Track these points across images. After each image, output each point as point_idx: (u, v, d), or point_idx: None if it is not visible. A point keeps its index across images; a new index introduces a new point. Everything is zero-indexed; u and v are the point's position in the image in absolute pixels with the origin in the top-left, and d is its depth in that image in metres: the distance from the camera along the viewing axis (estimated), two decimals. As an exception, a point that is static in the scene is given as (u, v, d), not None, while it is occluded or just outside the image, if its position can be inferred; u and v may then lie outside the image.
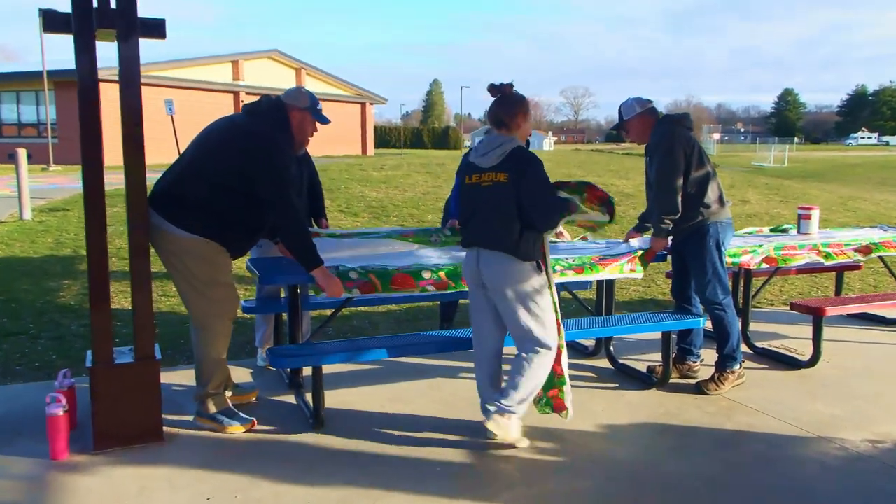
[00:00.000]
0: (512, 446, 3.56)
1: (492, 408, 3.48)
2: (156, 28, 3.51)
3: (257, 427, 3.75)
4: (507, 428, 3.47)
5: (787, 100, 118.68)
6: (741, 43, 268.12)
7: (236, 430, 3.68)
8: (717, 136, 67.18)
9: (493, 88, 3.54)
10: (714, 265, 4.25)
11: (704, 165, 4.24)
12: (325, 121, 3.80)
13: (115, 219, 8.10)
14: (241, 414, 3.76)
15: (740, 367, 4.39)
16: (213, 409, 3.71)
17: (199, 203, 3.52)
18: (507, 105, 3.49)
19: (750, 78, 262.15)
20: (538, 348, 3.47)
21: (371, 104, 38.81)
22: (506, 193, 3.38)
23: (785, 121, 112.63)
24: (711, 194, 4.23)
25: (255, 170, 3.48)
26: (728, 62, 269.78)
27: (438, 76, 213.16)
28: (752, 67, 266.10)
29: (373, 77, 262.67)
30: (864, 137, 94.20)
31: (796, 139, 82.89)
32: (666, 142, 4.17)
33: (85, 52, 3.33)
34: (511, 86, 3.56)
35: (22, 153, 9.78)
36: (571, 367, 4.79)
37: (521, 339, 3.50)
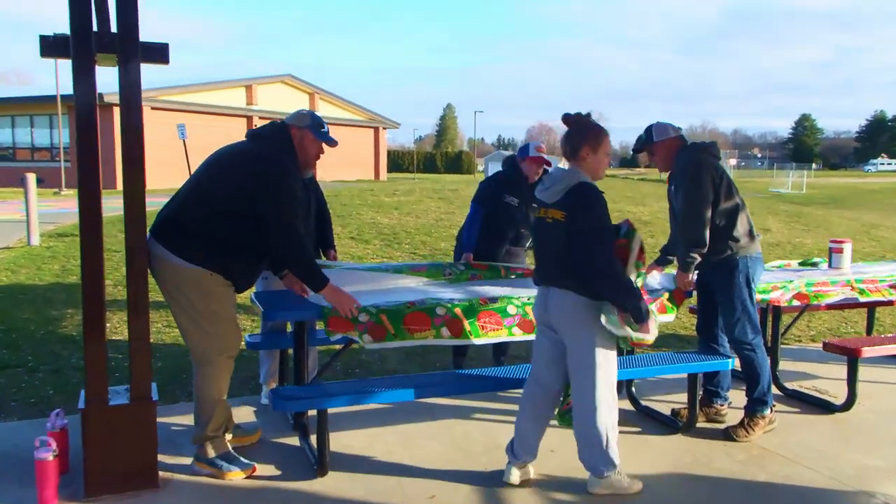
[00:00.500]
0: (527, 495, 3.32)
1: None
2: (158, 53, 3.37)
3: (258, 473, 3.54)
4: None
5: (804, 125, 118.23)
6: (755, 67, 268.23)
7: (236, 476, 3.47)
8: (733, 161, 66.82)
9: (566, 118, 3.39)
10: (744, 302, 4.01)
11: (733, 196, 4.03)
12: (329, 140, 3.69)
13: (120, 246, 7.97)
14: (242, 459, 3.55)
15: (771, 411, 4.14)
16: (211, 453, 3.50)
17: (202, 232, 3.36)
18: (573, 135, 3.34)
19: (765, 103, 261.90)
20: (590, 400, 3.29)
21: (384, 128, 38.96)
22: (564, 231, 3.21)
23: (802, 146, 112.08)
24: (741, 227, 4.02)
25: (263, 192, 3.34)
26: (742, 86, 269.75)
27: (452, 100, 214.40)
28: (768, 92, 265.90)
29: (386, 101, 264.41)
30: (883, 163, 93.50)
31: (814, 165, 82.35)
32: (694, 170, 3.96)
33: (83, 77, 3.18)
34: (586, 115, 3.39)
35: (31, 178, 9.72)
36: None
37: (575, 388, 3.35)
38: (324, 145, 3.70)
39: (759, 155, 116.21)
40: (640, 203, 16.35)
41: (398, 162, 70.49)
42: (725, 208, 3.99)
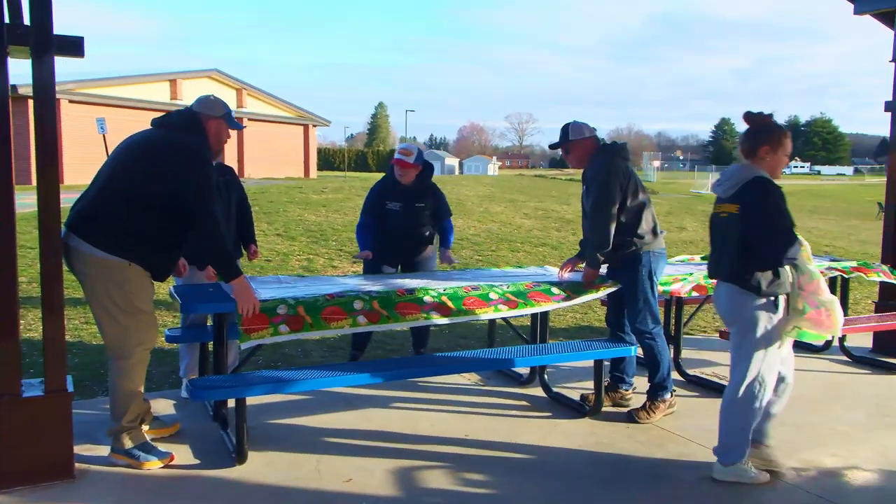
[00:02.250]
0: (439, 476, 3.48)
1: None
2: (73, 46, 3.37)
3: (177, 462, 3.58)
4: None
5: (723, 129, 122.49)
6: (682, 74, 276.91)
7: (153, 466, 3.50)
8: (657, 163, 68.75)
9: (747, 116, 3.53)
10: (645, 294, 4.27)
11: (639, 196, 4.26)
12: (238, 126, 3.83)
13: (34, 243, 7.77)
14: (159, 448, 3.59)
15: (671, 395, 4.41)
16: (128, 443, 3.53)
17: (118, 222, 3.38)
18: (753, 134, 3.48)
19: (689, 107, 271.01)
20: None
21: (314, 126, 38.58)
22: (736, 225, 3.36)
23: (722, 149, 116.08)
24: (645, 225, 4.25)
25: (178, 181, 3.39)
26: (669, 92, 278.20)
27: (383, 99, 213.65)
28: (692, 97, 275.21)
29: (316, 99, 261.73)
30: (796, 166, 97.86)
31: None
32: (603, 174, 4.17)
33: (-5, 69, 3.16)
34: (768, 115, 3.52)
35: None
36: (504, 395, 4.76)
37: (731, 378, 3.54)
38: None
39: (682, 157, 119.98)
40: (565, 202, 16.79)
41: (329, 160, 69.93)
42: (631, 207, 4.22)
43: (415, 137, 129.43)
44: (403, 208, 5.08)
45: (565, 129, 4.42)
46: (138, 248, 3.42)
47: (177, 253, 3.67)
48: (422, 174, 5.14)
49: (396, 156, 5.04)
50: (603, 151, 4.32)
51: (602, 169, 4.20)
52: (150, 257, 3.48)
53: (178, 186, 3.39)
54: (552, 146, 4.57)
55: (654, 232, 4.31)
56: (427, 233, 5.27)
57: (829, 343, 6.12)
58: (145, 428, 3.70)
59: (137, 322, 3.48)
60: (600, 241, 4.18)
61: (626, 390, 4.62)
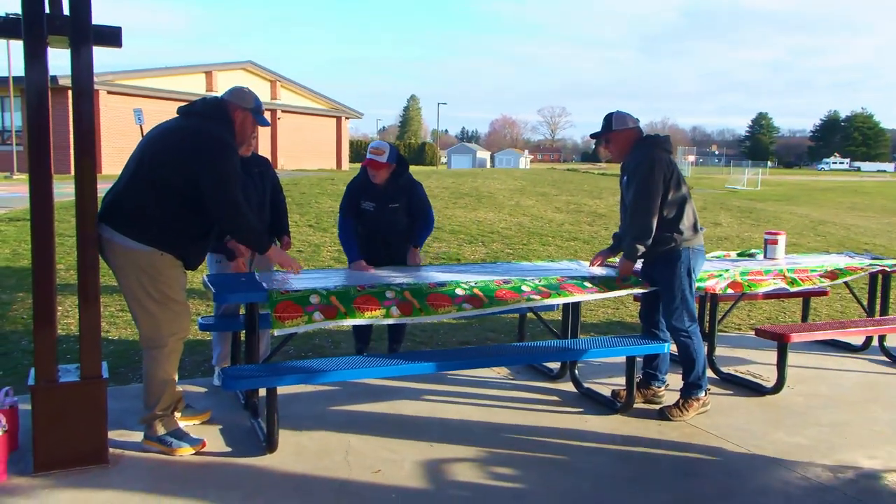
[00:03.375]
0: (469, 469, 3.47)
1: None
2: (111, 36, 3.42)
3: (207, 450, 3.62)
4: None
5: (760, 123, 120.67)
6: (714, 66, 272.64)
7: (185, 452, 3.54)
8: (691, 158, 68.03)
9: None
10: (683, 292, 4.20)
11: (681, 190, 4.19)
12: (265, 123, 3.88)
13: (72, 231, 7.91)
14: (191, 435, 3.63)
15: (706, 394, 4.34)
16: (161, 430, 3.57)
17: (146, 212, 3.43)
18: None
19: (723, 101, 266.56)
20: None
21: (347, 118, 38.79)
22: None
23: (758, 144, 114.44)
24: (686, 220, 4.19)
25: (199, 168, 3.41)
26: (700, 85, 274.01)
27: (415, 92, 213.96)
28: (725, 91, 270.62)
29: (349, 91, 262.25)
30: (836, 162, 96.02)
31: (769, 163, 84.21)
32: (646, 165, 4.11)
33: (35, 59, 3.21)
34: None
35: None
36: (533, 390, 4.73)
37: None
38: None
39: (717, 152, 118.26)
40: (597, 197, 16.62)
41: (361, 152, 70.11)
42: (672, 201, 4.15)
43: (446, 130, 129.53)
44: (377, 209, 4.86)
45: (608, 119, 4.34)
46: (167, 236, 3.46)
47: (207, 241, 3.70)
48: (396, 172, 4.88)
49: (368, 155, 4.78)
50: (645, 143, 4.26)
51: (645, 160, 4.13)
52: (180, 246, 3.52)
53: (199, 173, 3.41)
54: (593, 136, 4.49)
55: (695, 228, 4.24)
56: (404, 236, 5.01)
57: (868, 342, 5.99)
58: (177, 415, 3.74)
59: (169, 312, 3.52)
60: (641, 232, 4.12)
61: (659, 387, 4.56)
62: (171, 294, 3.52)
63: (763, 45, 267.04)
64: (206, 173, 3.42)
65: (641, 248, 4.17)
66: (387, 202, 4.86)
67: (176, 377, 3.66)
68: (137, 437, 3.67)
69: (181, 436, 3.60)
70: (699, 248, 4.28)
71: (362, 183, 4.93)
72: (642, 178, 4.11)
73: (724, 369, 5.19)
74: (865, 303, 6.06)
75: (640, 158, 4.17)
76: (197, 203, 3.47)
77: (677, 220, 4.17)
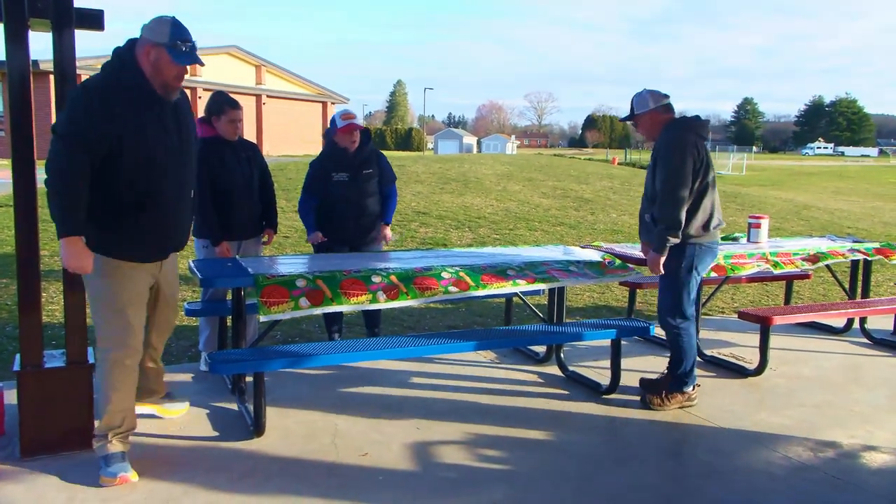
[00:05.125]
0: (455, 453, 3.50)
1: None
2: (93, 19, 3.39)
3: (196, 434, 3.64)
4: None
5: (746, 108, 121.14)
6: (703, 51, 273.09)
7: (107, 482, 3.10)
8: (677, 143, 67.97)
9: None
10: (679, 289, 4.08)
11: (705, 180, 4.00)
12: (185, 61, 3.03)
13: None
14: (122, 463, 3.17)
15: (693, 389, 4.28)
16: (104, 449, 3.20)
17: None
18: None
19: (711, 86, 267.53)
20: None
21: (332, 103, 38.56)
22: None
23: (744, 129, 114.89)
24: (700, 215, 4.01)
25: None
26: (689, 70, 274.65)
27: (402, 77, 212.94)
28: (713, 76, 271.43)
29: (335, 76, 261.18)
30: (820, 147, 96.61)
31: (755, 148, 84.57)
32: (677, 151, 3.92)
33: (16, 43, 3.20)
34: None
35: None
36: (520, 373, 4.77)
37: None
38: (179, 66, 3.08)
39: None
40: (584, 182, 16.65)
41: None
42: (695, 191, 3.98)
43: (433, 116, 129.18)
44: (351, 178, 4.85)
45: (632, 102, 4.20)
46: (88, 229, 3.04)
47: (127, 224, 3.08)
48: (362, 140, 4.92)
49: (342, 123, 4.77)
50: (675, 125, 4.07)
51: (673, 144, 3.95)
52: (96, 236, 3.07)
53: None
54: (622, 120, 4.38)
55: (707, 225, 4.04)
56: (377, 208, 5.02)
57: (849, 324, 6.07)
58: (153, 407, 3.77)
59: (103, 318, 3.18)
60: (671, 223, 3.91)
61: (692, 389, 4.33)
62: (107, 298, 3.15)
63: (754, 29, 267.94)
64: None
65: (674, 240, 3.94)
66: (360, 169, 4.89)
67: (122, 400, 3.23)
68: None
69: (112, 461, 3.17)
70: (709, 245, 4.09)
71: (330, 157, 4.91)
72: (670, 165, 3.90)
73: (708, 352, 5.24)
74: (847, 286, 6.14)
75: (669, 141, 3.98)
76: (102, 175, 2.98)
77: (691, 213, 3.98)
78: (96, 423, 3.27)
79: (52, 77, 3.37)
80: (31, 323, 3.33)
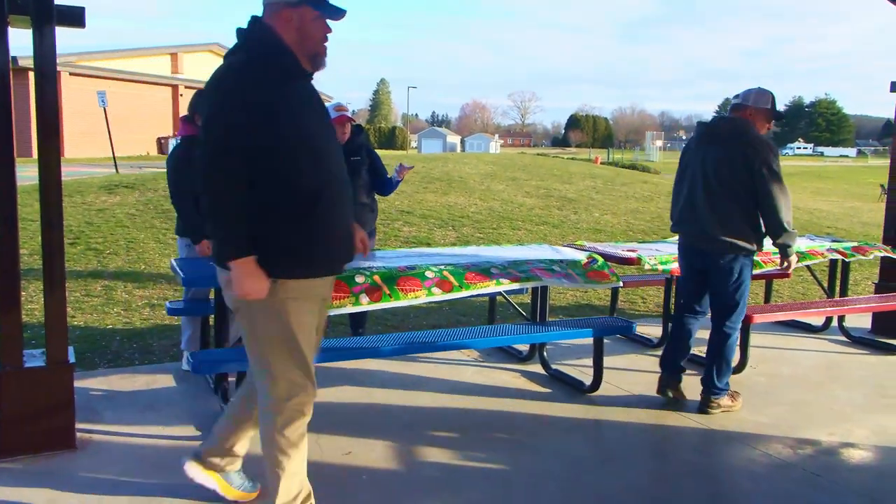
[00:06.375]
0: (438, 452, 3.51)
1: None
2: (74, 16, 3.35)
3: (178, 434, 3.62)
4: None
5: (727, 109, 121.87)
6: (688, 53, 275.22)
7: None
8: (660, 143, 68.59)
9: None
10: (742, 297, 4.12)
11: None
12: (334, 12, 2.59)
13: (35, 215, 7.77)
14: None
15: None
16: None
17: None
18: None
19: (694, 87, 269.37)
20: None
21: (317, 102, 38.43)
22: None
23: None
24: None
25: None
26: (674, 72, 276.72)
27: (385, 75, 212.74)
28: (698, 78, 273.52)
29: (318, 74, 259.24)
30: (800, 148, 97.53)
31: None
32: (774, 153, 3.93)
33: (-5, 39, 3.15)
34: None
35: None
36: (503, 371, 4.79)
37: None
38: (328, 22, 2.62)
39: (685, 137, 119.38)
40: (567, 181, 16.72)
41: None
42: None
43: (417, 114, 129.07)
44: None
45: (771, 98, 4.20)
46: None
47: (298, 234, 2.49)
48: (352, 132, 4.97)
49: (335, 114, 4.78)
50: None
51: (769, 145, 3.96)
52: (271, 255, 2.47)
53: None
54: (777, 118, 4.28)
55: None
56: (368, 200, 5.02)
57: (828, 323, 6.15)
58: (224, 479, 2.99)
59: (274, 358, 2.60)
60: (790, 229, 3.97)
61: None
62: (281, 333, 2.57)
63: (740, 32, 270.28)
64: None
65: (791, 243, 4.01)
66: (349, 156, 4.91)
67: (301, 462, 2.68)
68: (106, 423, 3.65)
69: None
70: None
71: None
72: (774, 168, 3.90)
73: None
74: (826, 285, 6.21)
75: (765, 144, 3.97)
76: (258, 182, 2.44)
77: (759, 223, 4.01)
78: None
79: (31, 74, 3.33)
80: (11, 322, 3.29)
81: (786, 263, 4.12)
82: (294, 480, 2.61)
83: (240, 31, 2.54)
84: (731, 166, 3.94)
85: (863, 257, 5.62)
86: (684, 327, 4.33)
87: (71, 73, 24.59)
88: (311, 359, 2.62)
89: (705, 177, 4.04)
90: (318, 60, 2.61)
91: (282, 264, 2.47)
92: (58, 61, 3.30)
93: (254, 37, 2.51)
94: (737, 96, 4.19)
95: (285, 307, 2.49)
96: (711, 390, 4.15)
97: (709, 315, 4.28)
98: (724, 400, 4.18)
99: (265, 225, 2.43)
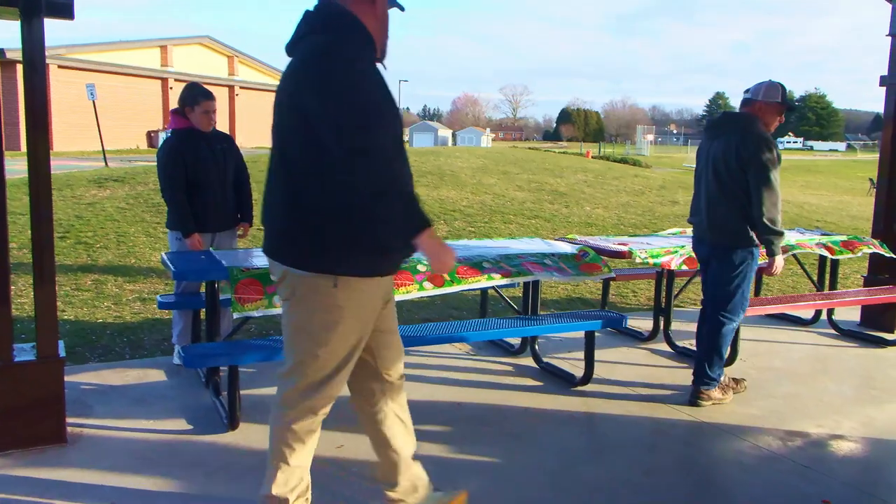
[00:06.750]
0: (431, 446, 3.52)
1: None
2: (63, 8, 3.32)
3: (169, 428, 3.61)
4: None
5: (718, 103, 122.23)
6: (679, 47, 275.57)
7: None
8: (650, 137, 68.74)
9: None
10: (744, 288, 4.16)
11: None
12: (401, 6, 2.53)
13: (24, 209, 7.71)
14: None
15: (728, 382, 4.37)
16: None
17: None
18: None
19: (685, 81, 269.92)
20: None
21: (308, 95, 38.30)
22: None
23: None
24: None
25: (314, 102, 2.23)
26: (666, 65, 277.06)
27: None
28: (689, 71, 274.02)
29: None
30: (790, 142, 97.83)
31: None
32: (769, 148, 3.96)
33: (-17, 31, 3.12)
34: None
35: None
36: (495, 365, 4.79)
37: None
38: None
39: (676, 131, 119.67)
40: (559, 175, 16.72)
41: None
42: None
43: (408, 108, 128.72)
44: None
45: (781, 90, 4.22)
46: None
47: (371, 226, 2.30)
48: None
49: None
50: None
51: (769, 141, 4.01)
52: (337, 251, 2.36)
53: (313, 111, 2.23)
54: (788, 110, 4.31)
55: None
56: None
57: (817, 316, 6.18)
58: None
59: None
60: (779, 228, 4.01)
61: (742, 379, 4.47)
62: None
63: (730, 26, 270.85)
64: (319, 105, 2.22)
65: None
66: None
67: (305, 457, 2.59)
68: (96, 418, 3.63)
69: None
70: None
71: None
72: (769, 164, 3.94)
73: (680, 343, 5.31)
74: (815, 278, 6.25)
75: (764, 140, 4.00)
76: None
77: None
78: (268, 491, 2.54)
79: (19, 67, 3.31)
80: (1, 317, 3.27)
81: (768, 262, 4.12)
82: (294, 473, 2.56)
83: (318, 14, 2.38)
84: (727, 160, 4.01)
85: (851, 255, 5.64)
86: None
87: (60, 66, 24.40)
88: (347, 367, 2.48)
89: (708, 170, 4.14)
90: (385, 52, 2.48)
91: (340, 260, 2.34)
92: (47, 54, 3.28)
93: (343, 22, 2.34)
94: (747, 91, 4.21)
95: (341, 305, 2.36)
96: (702, 382, 4.18)
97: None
98: (715, 392, 4.20)
99: (337, 220, 2.29)
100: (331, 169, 2.22)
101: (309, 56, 2.29)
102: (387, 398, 2.62)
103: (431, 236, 2.27)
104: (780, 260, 4.09)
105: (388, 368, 2.61)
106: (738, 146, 3.96)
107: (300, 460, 2.56)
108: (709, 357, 4.17)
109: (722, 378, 4.26)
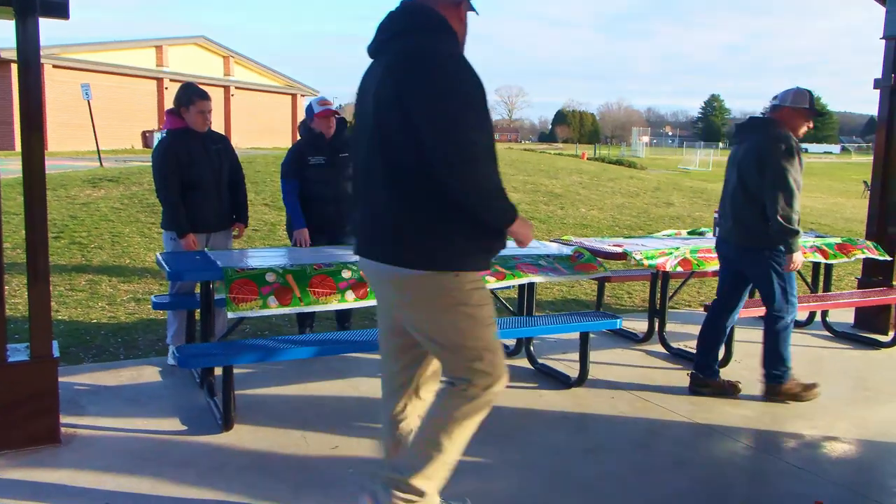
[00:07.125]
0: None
1: None
2: (58, 7, 3.33)
3: (164, 428, 3.60)
4: None
5: (713, 105, 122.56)
6: (672, 48, 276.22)
7: None
8: (646, 139, 68.84)
9: None
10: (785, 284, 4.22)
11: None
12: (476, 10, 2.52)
13: (18, 209, 7.69)
14: None
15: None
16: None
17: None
18: None
19: (679, 83, 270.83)
20: None
21: (302, 95, 38.24)
22: None
23: (711, 125, 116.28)
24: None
25: (423, 106, 2.24)
26: (658, 67, 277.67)
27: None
28: (682, 72, 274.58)
29: (305, 68, 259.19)
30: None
31: (721, 144, 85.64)
32: (789, 149, 4.02)
33: (-22, 30, 3.11)
34: None
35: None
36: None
37: None
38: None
39: (671, 133, 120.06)
40: (554, 176, 16.75)
41: (317, 131, 69.19)
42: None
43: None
44: (328, 161, 4.89)
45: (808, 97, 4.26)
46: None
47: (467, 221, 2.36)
48: (337, 128, 4.99)
49: (319, 108, 4.86)
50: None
51: (788, 140, 4.07)
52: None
53: (418, 111, 2.23)
54: (813, 116, 4.31)
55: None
56: None
57: (811, 318, 6.20)
58: None
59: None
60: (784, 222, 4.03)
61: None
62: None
63: (723, 27, 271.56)
64: (430, 108, 2.23)
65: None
66: (337, 153, 4.95)
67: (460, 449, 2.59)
68: (90, 418, 3.63)
69: None
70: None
71: (307, 142, 4.95)
72: (787, 164, 4.00)
73: (675, 344, 5.32)
74: (809, 280, 6.27)
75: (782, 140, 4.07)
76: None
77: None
78: (415, 480, 2.47)
79: (13, 66, 3.30)
80: (-6, 317, 3.27)
81: (786, 259, 4.13)
82: (445, 469, 2.53)
83: (409, 15, 2.39)
84: (747, 162, 4.14)
85: (846, 259, 5.65)
86: (714, 321, 4.49)
87: (55, 66, 24.32)
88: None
89: (731, 173, 4.31)
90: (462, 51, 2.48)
91: (453, 256, 2.38)
92: (41, 53, 3.27)
93: (436, 24, 2.36)
94: (775, 97, 4.29)
95: (470, 293, 2.44)
96: (769, 377, 4.33)
97: (741, 310, 4.54)
98: (788, 386, 4.31)
99: (445, 219, 2.33)
100: (440, 169, 2.23)
101: (411, 55, 2.29)
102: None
103: (521, 220, 2.42)
104: (798, 256, 4.13)
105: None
106: (758, 148, 4.09)
107: (454, 456, 2.58)
108: (769, 357, 4.33)
109: (789, 377, 4.33)
